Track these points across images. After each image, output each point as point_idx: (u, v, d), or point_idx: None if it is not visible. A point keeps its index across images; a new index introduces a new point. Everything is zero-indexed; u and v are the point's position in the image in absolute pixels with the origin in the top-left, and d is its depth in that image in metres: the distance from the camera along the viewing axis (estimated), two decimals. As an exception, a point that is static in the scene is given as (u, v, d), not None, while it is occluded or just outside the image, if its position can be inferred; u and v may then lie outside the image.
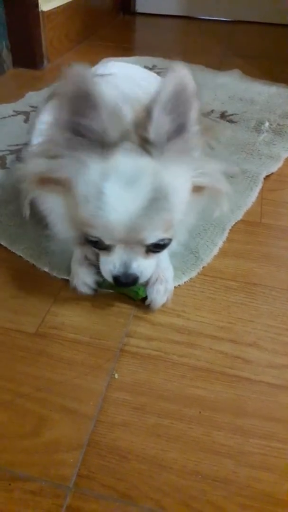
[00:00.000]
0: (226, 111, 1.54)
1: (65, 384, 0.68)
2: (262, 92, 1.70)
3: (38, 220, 0.85)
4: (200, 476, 0.59)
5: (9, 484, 0.57)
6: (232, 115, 1.52)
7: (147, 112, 0.63)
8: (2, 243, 0.93)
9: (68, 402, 0.66)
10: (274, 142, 1.37)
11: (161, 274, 0.81)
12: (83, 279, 0.80)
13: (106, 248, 0.70)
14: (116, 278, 0.71)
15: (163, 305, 0.81)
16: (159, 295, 0.79)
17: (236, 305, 0.83)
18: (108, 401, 0.66)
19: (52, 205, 0.79)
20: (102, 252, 0.72)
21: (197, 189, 0.73)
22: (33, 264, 0.88)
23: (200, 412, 0.65)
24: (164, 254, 0.84)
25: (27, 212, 0.76)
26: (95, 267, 0.80)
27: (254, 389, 0.69)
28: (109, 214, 0.64)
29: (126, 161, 0.65)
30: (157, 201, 0.64)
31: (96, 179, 0.65)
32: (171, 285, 0.82)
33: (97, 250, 0.74)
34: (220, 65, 1.97)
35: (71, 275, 0.82)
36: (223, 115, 1.51)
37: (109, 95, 0.65)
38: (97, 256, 0.76)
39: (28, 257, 0.89)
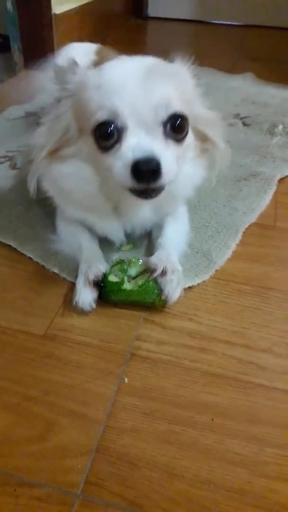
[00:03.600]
0: (238, 114, 1.52)
1: (74, 388, 0.66)
2: (276, 95, 1.68)
3: (43, 203, 0.86)
4: (213, 486, 0.56)
5: (15, 490, 0.55)
6: (245, 117, 1.50)
7: None
8: (11, 244, 0.92)
9: (76, 406, 0.64)
10: (288, 145, 1.35)
11: (169, 265, 0.79)
12: (84, 299, 0.77)
13: (118, 138, 0.66)
14: (136, 165, 0.62)
15: (175, 306, 0.79)
16: (174, 284, 0.77)
17: (250, 310, 0.81)
18: (117, 406, 0.64)
19: (59, 174, 0.78)
20: (113, 154, 0.67)
21: (198, 138, 0.77)
22: (42, 265, 0.87)
23: (213, 419, 0.63)
24: (172, 248, 0.83)
25: (33, 188, 0.78)
26: (98, 285, 0.78)
27: (269, 396, 0.67)
28: (115, 77, 0.69)
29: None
30: (161, 67, 0.72)
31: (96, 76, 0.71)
32: (181, 276, 0.80)
33: (107, 159, 0.68)
34: (232, 69, 1.95)
35: (75, 291, 0.79)
36: (235, 118, 1.49)
37: None
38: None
39: (37, 258, 0.88)
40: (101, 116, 0.67)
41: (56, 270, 0.85)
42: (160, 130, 0.67)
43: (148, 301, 0.77)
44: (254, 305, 0.82)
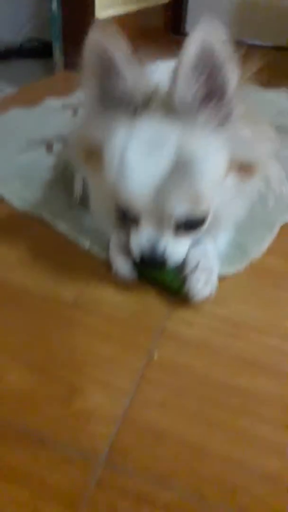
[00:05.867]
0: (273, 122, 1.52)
1: (100, 357, 0.64)
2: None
3: (82, 200, 0.85)
4: (245, 470, 0.52)
5: (35, 449, 0.52)
6: (279, 126, 1.49)
7: (173, 75, 0.60)
8: (44, 217, 0.91)
9: (103, 374, 0.61)
10: None
11: (204, 262, 0.75)
12: (121, 266, 0.76)
13: (134, 221, 0.67)
14: (141, 257, 0.68)
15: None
16: (199, 284, 0.73)
17: (287, 302, 0.78)
18: (146, 379, 0.61)
19: (93, 185, 0.79)
20: (132, 227, 0.69)
21: (241, 169, 0.68)
22: (74, 240, 0.85)
23: (244, 404, 0.60)
24: (211, 244, 0.80)
25: (79, 192, 0.76)
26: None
27: (303, 387, 0.63)
28: (130, 180, 0.62)
29: (151, 125, 0.62)
30: (181, 167, 0.61)
31: (120, 143, 0.63)
32: (215, 277, 0.76)
33: (128, 226, 0.70)
34: (267, 85, 1.96)
35: (111, 262, 0.78)
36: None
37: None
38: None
39: (69, 232, 0.86)
40: (118, 202, 0.68)
41: (87, 247, 0.83)
42: (171, 228, 0.67)
43: (173, 286, 0.74)
44: (289, 298, 0.79)
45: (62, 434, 0.53)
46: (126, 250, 0.76)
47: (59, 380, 0.60)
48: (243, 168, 0.69)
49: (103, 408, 0.57)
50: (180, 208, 0.64)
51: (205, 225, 0.71)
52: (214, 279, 0.76)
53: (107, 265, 0.79)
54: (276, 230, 0.94)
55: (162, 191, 0.62)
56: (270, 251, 0.90)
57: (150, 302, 0.74)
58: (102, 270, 0.79)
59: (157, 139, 0.62)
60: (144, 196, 0.63)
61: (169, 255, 0.69)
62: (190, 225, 0.68)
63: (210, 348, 0.67)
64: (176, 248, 0.70)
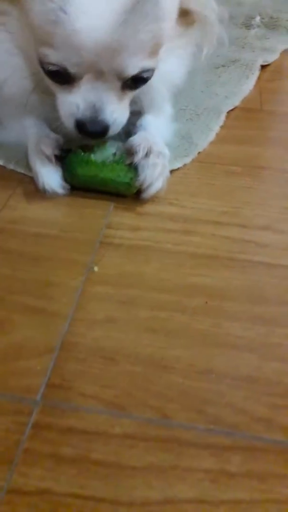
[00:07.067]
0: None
1: (27, 282, 0.52)
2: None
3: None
4: (214, 375, 0.43)
5: None
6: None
7: None
8: None
9: (32, 301, 0.50)
10: (268, 36, 1.19)
11: (155, 147, 0.62)
12: (49, 179, 0.62)
13: (68, 80, 0.53)
14: (80, 125, 0.54)
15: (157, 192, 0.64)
16: (157, 170, 0.61)
17: (242, 189, 0.67)
18: (86, 296, 0.50)
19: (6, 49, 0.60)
20: (61, 89, 0.55)
21: (182, 17, 0.57)
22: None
23: (206, 302, 0.50)
24: (156, 131, 0.67)
25: None
26: (59, 160, 0.63)
27: (273, 273, 0.54)
28: (76, 19, 0.47)
29: None
30: (144, 3, 0.48)
31: None
32: (167, 163, 0.64)
33: (55, 88, 0.56)
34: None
35: (35, 176, 0.64)
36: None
37: None
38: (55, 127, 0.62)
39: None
40: (50, 58, 0.51)
41: (1, 163, 0.69)
42: (119, 84, 0.54)
43: (124, 180, 0.61)
44: (245, 184, 0.69)
45: (-16, 378, 0.43)
46: (52, 156, 0.62)
47: (-24, 317, 0.48)
48: (181, 14, 0.57)
49: (35, 339, 0.46)
50: (136, 63, 0.52)
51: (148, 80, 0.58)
52: (167, 167, 0.64)
53: (28, 181, 0.66)
54: (223, 116, 0.82)
55: (118, 36, 0.48)
56: (219, 139, 0.78)
57: (84, 213, 0.62)
58: (23, 186, 0.66)
59: None
60: (92, 44, 0.48)
61: (114, 122, 0.56)
62: (139, 79, 0.55)
63: (161, 250, 0.57)
64: (120, 112, 0.57)
